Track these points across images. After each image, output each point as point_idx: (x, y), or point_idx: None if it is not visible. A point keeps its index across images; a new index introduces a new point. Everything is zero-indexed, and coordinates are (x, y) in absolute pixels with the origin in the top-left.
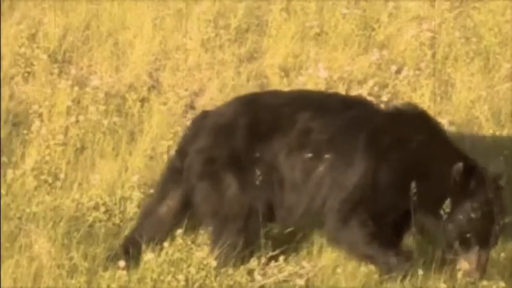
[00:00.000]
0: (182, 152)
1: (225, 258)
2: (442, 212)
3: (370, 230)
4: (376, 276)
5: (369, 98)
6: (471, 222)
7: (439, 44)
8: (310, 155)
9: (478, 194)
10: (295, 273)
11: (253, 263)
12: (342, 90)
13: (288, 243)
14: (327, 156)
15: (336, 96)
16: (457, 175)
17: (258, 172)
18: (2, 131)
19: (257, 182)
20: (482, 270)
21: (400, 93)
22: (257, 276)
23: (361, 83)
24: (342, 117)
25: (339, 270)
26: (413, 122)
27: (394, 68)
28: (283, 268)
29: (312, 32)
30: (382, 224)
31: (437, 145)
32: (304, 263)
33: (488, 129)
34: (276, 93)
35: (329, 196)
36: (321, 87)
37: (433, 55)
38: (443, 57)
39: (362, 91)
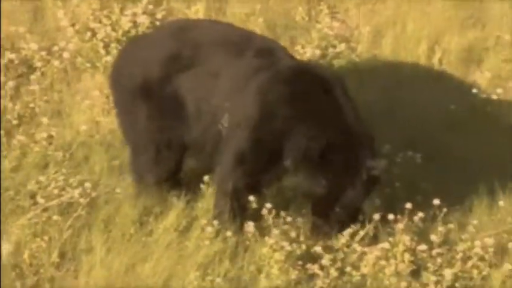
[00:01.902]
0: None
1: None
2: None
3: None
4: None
5: (144, 16)
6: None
7: None
8: (215, 101)
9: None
10: (78, 194)
11: (34, 185)
12: (116, 8)
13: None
14: (227, 105)
15: (255, 41)
16: (315, 154)
17: (170, 105)
18: None
19: (168, 115)
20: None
21: (175, 10)
22: (40, 199)
23: (135, 1)
24: (246, 66)
25: (118, 190)
26: (310, 82)
27: None
28: (66, 190)
29: None
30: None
31: (322, 114)
32: (87, 184)
33: None
34: (204, 27)
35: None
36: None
37: None
38: None
39: (137, 10)
